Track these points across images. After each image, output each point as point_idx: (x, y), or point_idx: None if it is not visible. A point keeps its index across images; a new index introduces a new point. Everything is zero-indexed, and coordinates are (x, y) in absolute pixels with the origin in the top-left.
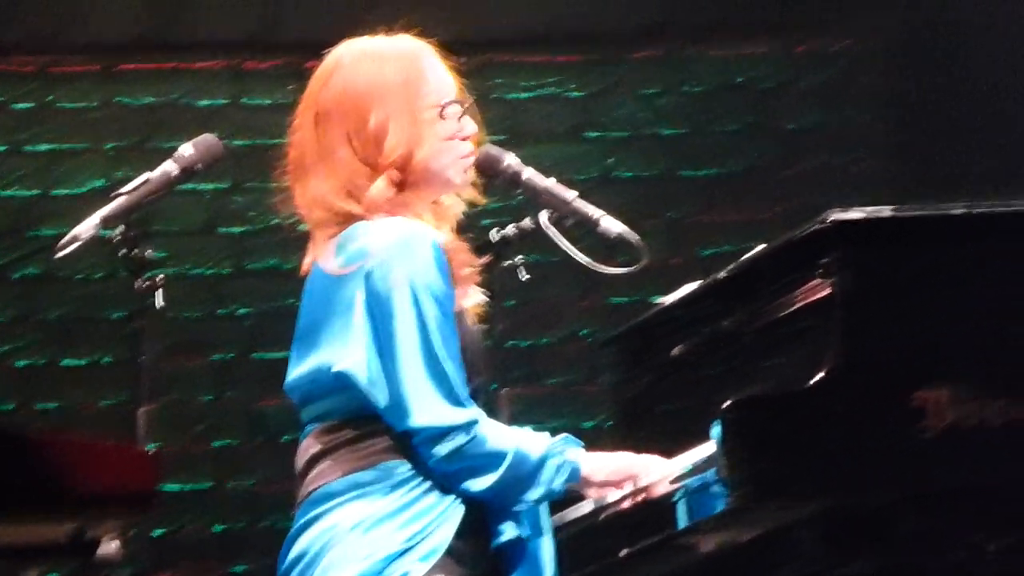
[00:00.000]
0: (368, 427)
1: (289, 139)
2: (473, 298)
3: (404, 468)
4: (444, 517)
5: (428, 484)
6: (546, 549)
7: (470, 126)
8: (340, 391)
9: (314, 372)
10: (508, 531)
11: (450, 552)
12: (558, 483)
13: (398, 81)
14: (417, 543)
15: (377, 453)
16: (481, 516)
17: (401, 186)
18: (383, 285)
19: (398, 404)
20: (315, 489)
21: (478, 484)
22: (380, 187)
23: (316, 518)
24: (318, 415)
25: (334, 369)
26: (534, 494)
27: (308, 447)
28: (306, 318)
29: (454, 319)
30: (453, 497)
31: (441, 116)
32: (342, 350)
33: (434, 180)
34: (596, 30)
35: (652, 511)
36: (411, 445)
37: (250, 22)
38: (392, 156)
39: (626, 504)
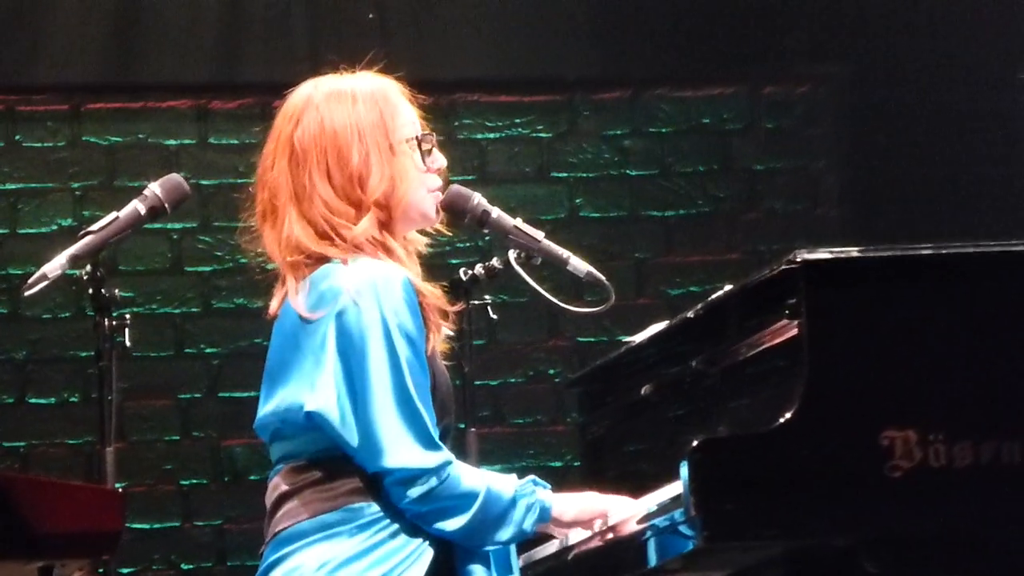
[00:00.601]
0: (336, 467)
1: (258, 179)
2: (439, 336)
3: (371, 509)
4: (412, 559)
5: (396, 526)
6: None
7: (441, 159)
8: (310, 431)
9: (284, 411)
10: (478, 573)
11: None
12: (529, 523)
13: (374, 117)
14: None
15: (344, 494)
16: (450, 558)
17: (385, 226)
18: (356, 325)
19: (370, 445)
20: (282, 530)
21: (450, 525)
22: (365, 226)
23: (282, 559)
24: (286, 454)
25: (305, 409)
26: (505, 534)
27: (276, 486)
28: (276, 356)
29: (426, 360)
30: (421, 539)
31: (419, 148)
32: (312, 390)
33: (412, 214)
34: (563, 71)
35: (619, 551)
36: (380, 486)
37: (215, 62)
38: (377, 193)
39: (594, 543)
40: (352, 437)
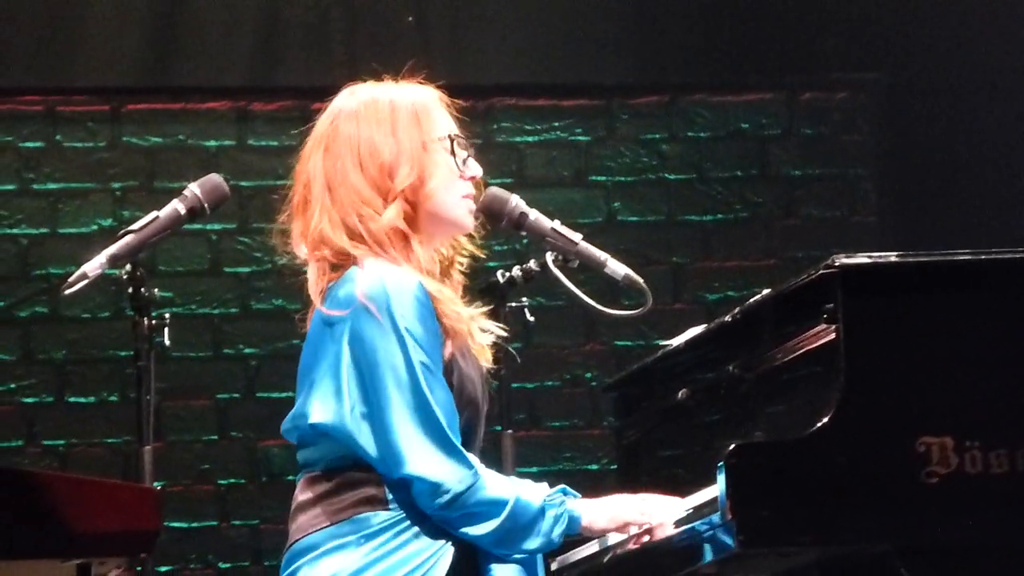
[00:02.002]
0: (347, 478)
1: (295, 176)
2: (485, 336)
3: (379, 519)
4: (425, 568)
5: (407, 534)
6: None
7: (476, 167)
8: (319, 441)
9: (297, 418)
10: (503, 574)
11: None
12: (556, 533)
13: (410, 114)
14: None
15: (352, 505)
16: (473, 560)
17: (411, 222)
18: (368, 333)
19: (390, 454)
20: (295, 541)
21: (477, 531)
22: (391, 215)
23: (293, 573)
24: (305, 462)
25: (309, 421)
26: (532, 544)
27: (296, 495)
28: (304, 358)
29: (442, 364)
30: (436, 547)
31: (452, 153)
32: (320, 401)
33: (442, 218)
34: (601, 76)
35: (656, 553)
36: (392, 495)
37: (254, 65)
38: (405, 183)
39: (631, 546)
40: (371, 447)
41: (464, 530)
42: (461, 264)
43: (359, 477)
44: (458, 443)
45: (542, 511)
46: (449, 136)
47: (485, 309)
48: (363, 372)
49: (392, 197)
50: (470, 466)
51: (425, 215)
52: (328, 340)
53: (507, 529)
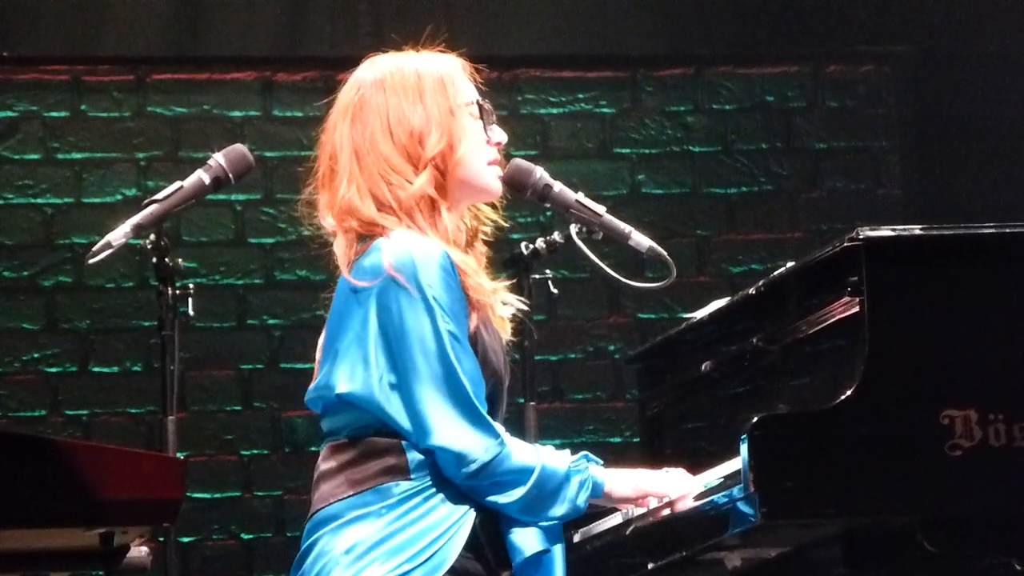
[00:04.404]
0: (371, 447)
1: (320, 146)
2: (506, 309)
3: (399, 488)
4: (445, 538)
5: (429, 503)
6: (559, 560)
7: (501, 133)
8: (345, 410)
9: (322, 388)
10: (527, 539)
11: (454, 573)
12: (582, 499)
13: (436, 81)
14: (411, 570)
15: (375, 475)
16: (495, 526)
17: (440, 189)
18: (395, 303)
19: (417, 424)
20: (317, 511)
21: (504, 499)
22: (422, 182)
23: (315, 542)
24: (330, 430)
25: (336, 391)
26: (559, 510)
27: (319, 464)
28: (330, 327)
29: (468, 335)
30: (457, 515)
31: (480, 118)
32: (347, 370)
33: (471, 183)
34: (626, 47)
35: (678, 525)
36: (416, 463)
37: (280, 35)
38: (435, 150)
39: (656, 517)
40: (401, 418)
41: (491, 498)
42: (485, 234)
43: (382, 445)
44: (484, 412)
45: (567, 477)
46: (476, 102)
47: (508, 283)
48: (391, 342)
49: (423, 164)
50: (496, 435)
51: (454, 182)
52: (354, 310)
53: (534, 496)
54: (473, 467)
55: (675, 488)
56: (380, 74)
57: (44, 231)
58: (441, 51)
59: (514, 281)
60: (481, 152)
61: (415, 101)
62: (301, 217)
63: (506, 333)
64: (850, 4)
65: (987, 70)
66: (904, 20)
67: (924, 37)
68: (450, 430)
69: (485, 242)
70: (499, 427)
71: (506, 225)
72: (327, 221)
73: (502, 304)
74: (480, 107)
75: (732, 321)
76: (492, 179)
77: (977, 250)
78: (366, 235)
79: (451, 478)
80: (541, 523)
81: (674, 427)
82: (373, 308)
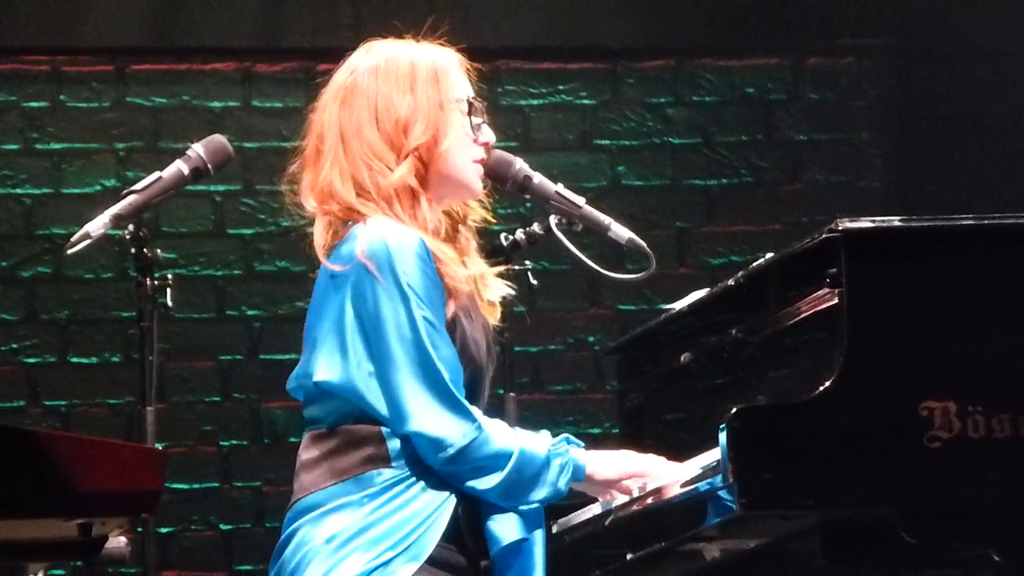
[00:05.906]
0: (351, 436)
1: (308, 126)
2: (497, 291)
3: (381, 477)
4: (424, 527)
5: (409, 493)
6: (538, 547)
7: (489, 133)
8: (325, 398)
9: (301, 377)
10: (506, 527)
11: (434, 562)
12: (563, 482)
13: (429, 73)
14: (392, 559)
15: (356, 465)
16: (476, 514)
17: (421, 181)
18: (370, 291)
19: (395, 410)
20: (298, 500)
21: (483, 484)
22: (402, 172)
23: (295, 531)
24: (311, 419)
25: (314, 379)
26: (540, 494)
27: (300, 452)
28: (310, 315)
29: (445, 321)
30: (437, 503)
31: (469, 114)
32: (325, 358)
33: (452, 180)
34: (607, 39)
35: (659, 514)
36: (396, 452)
37: (260, 26)
38: (419, 141)
39: (636, 507)
40: (380, 405)
41: (470, 484)
42: (475, 221)
43: (363, 433)
44: (461, 397)
45: (547, 461)
46: (468, 99)
47: (498, 269)
48: (366, 329)
49: (405, 154)
50: (473, 420)
51: (436, 175)
52: (331, 297)
53: (513, 481)
54: (450, 452)
55: (657, 469)
56: (376, 60)
57: (23, 222)
58: (441, 44)
59: (504, 268)
60: (466, 149)
61: (405, 90)
62: (283, 197)
63: (494, 319)
64: None
65: (967, 63)
66: (884, 13)
67: (904, 30)
68: (426, 416)
69: (475, 225)
70: (477, 412)
71: (492, 220)
72: (308, 203)
73: (488, 288)
74: (471, 105)
75: (712, 313)
76: (474, 177)
77: (957, 242)
78: (345, 220)
79: (430, 464)
80: (522, 507)
81: (654, 418)
82: (348, 295)
